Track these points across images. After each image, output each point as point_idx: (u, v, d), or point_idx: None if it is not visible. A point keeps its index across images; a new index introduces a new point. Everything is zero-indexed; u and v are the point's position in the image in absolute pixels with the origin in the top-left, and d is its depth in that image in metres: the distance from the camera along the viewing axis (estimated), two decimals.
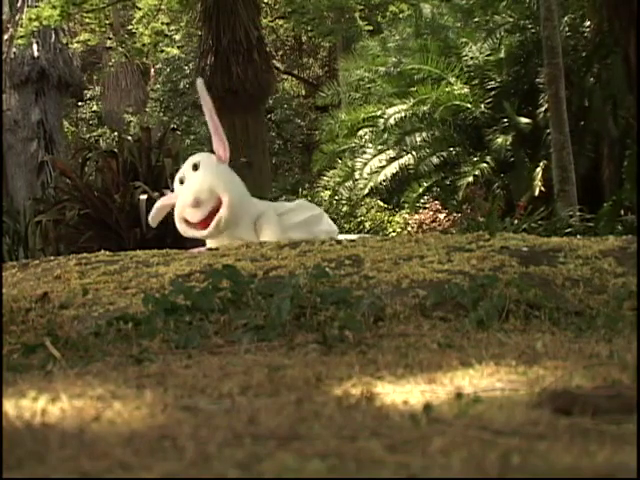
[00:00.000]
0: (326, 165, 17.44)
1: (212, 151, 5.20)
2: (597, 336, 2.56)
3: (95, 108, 26.37)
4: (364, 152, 16.31)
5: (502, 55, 15.75)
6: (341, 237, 5.04)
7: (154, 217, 5.29)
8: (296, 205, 5.44)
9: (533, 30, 15.56)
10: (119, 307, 3.11)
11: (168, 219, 7.18)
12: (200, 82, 5.31)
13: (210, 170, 4.99)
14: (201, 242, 5.58)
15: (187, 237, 5.18)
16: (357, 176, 16.02)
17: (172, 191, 5.45)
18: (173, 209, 5.12)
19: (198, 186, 4.91)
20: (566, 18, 15.90)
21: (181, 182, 5.06)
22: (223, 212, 4.85)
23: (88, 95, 25.97)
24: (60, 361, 2.23)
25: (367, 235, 6.32)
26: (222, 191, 4.89)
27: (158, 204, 5.30)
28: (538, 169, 14.50)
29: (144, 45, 17.97)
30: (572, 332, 2.68)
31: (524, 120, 15.04)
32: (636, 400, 1.51)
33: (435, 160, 15.52)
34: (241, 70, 13.12)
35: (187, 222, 5.00)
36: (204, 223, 4.94)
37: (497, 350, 2.28)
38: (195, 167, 5.01)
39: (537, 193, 14.01)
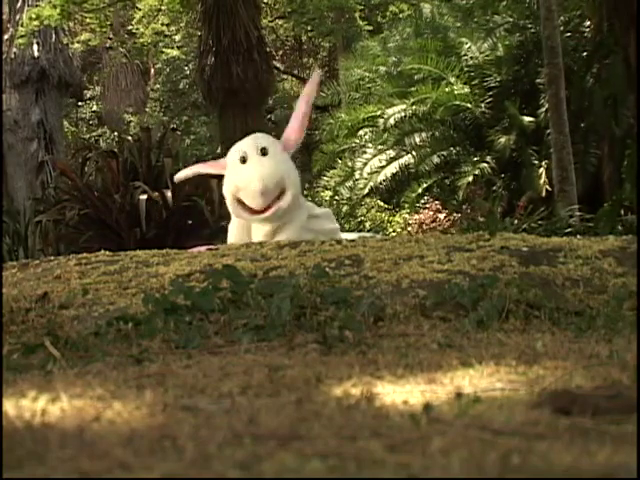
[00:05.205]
0: (326, 165, 17.43)
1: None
2: (597, 336, 2.56)
3: (95, 108, 26.37)
4: (364, 152, 16.31)
5: (502, 55, 15.76)
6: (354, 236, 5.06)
7: (182, 174, 5.25)
8: (324, 213, 5.42)
9: (533, 30, 15.57)
10: (119, 307, 3.11)
11: (168, 219, 7.19)
12: (319, 73, 5.39)
13: (278, 158, 4.89)
14: (201, 241, 5.58)
15: (241, 218, 5.01)
16: (357, 176, 16.02)
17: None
18: (210, 176, 5.01)
19: (268, 175, 4.78)
20: (566, 18, 15.91)
21: (243, 161, 4.89)
22: (284, 203, 4.78)
23: (88, 95, 25.96)
24: (60, 361, 2.22)
25: (368, 234, 6.29)
26: (288, 184, 4.82)
27: (197, 167, 5.25)
28: (541, 169, 14.51)
29: (144, 45, 17.97)
30: (572, 332, 2.68)
31: (527, 119, 15.05)
32: (636, 400, 1.51)
33: (435, 160, 15.52)
34: (241, 70, 13.12)
35: (241, 203, 4.88)
36: (260, 209, 4.85)
37: (497, 350, 2.28)
38: (264, 152, 4.87)
39: (544, 193, 14.01)
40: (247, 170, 4.83)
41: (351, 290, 3.11)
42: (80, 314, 3.06)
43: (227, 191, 4.92)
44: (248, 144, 4.99)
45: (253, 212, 4.88)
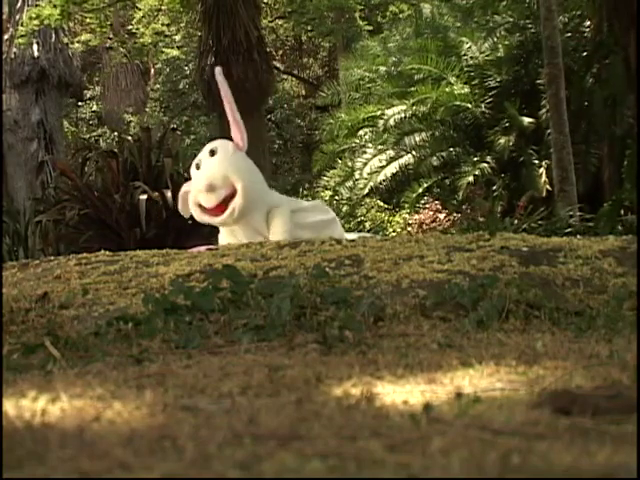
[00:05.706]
0: (326, 165, 17.44)
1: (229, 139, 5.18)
2: (597, 336, 2.56)
3: (95, 108, 26.35)
4: (364, 152, 16.31)
5: (502, 55, 15.76)
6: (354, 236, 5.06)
7: (183, 208, 5.30)
8: (311, 206, 5.44)
9: (533, 30, 15.57)
10: (119, 307, 3.11)
11: (168, 219, 7.18)
12: (219, 70, 5.31)
13: (226, 156, 4.98)
14: (201, 241, 5.57)
15: (203, 223, 5.16)
16: (357, 176, 16.02)
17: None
18: None
19: (212, 171, 4.91)
20: (566, 18, 15.91)
21: (197, 167, 5.04)
22: (237, 200, 4.84)
23: (88, 95, 25.95)
24: (60, 361, 2.22)
25: (368, 234, 6.29)
26: (236, 179, 4.88)
27: (181, 193, 5.30)
28: (541, 169, 14.51)
29: (144, 45, 17.97)
30: (572, 332, 2.68)
31: (527, 120, 15.05)
32: (636, 400, 1.51)
33: (435, 160, 15.52)
34: (241, 70, 13.12)
35: (202, 207, 4.99)
36: (219, 209, 4.92)
37: (497, 350, 2.28)
38: (212, 153, 5.00)
39: (544, 193, 14.01)
40: (198, 174, 5.00)
41: (351, 290, 3.11)
42: (80, 314, 3.06)
43: (189, 198, 5.06)
44: (202, 152, 5.14)
45: (212, 213, 4.97)
